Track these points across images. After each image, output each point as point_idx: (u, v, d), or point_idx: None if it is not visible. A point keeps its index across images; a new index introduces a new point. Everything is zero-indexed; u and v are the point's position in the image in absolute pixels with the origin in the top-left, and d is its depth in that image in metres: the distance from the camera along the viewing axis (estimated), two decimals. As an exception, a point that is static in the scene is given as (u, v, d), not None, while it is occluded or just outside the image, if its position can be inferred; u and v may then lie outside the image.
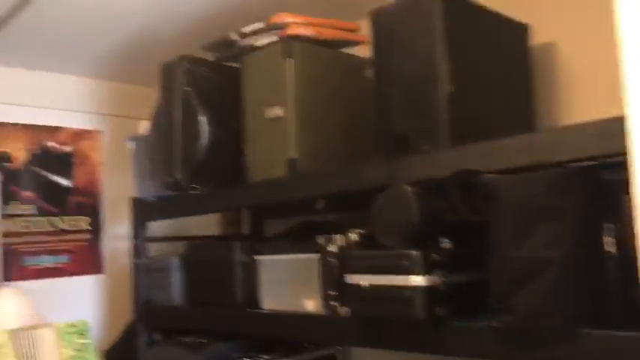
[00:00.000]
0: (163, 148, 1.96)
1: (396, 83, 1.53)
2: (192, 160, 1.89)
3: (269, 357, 2.07)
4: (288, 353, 2.10)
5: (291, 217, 2.42)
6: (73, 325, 1.43)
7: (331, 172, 1.68)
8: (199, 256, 2.11)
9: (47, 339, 1.39)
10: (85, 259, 2.83)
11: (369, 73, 1.67)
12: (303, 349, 2.14)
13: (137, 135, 2.25)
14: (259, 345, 2.10)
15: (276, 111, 1.78)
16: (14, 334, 1.36)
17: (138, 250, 2.28)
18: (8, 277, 2.56)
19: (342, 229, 1.63)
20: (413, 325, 1.36)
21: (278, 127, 1.78)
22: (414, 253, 1.34)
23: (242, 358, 2.06)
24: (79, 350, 1.42)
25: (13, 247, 2.63)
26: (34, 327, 1.40)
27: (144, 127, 2.18)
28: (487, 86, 1.56)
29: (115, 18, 2.15)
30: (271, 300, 1.85)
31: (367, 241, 1.52)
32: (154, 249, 2.39)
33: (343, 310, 1.57)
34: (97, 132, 2.91)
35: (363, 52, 1.84)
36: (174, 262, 2.14)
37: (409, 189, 1.38)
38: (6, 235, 2.60)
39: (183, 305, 2.11)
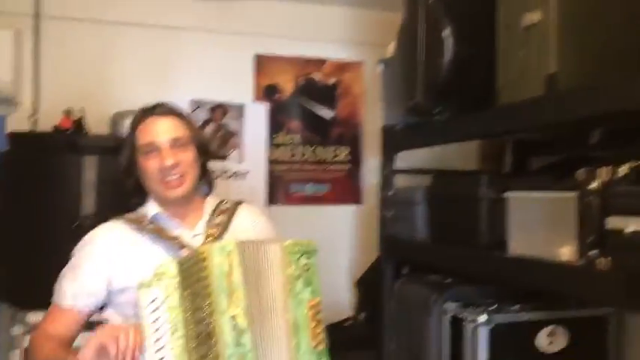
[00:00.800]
0: (406, 68, 1.80)
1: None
2: (435, 80, 1.69)
3: (520, 307, 1.81)
4: (546, 307, 1.81)
5: (561, 153, 2.06)
6: (299, 244, 1.38)
7: (601, 87, 1.34)
8: (444, 190, 1.93)
9: (273, 255, 1.37)
10: (344, 188, 2.87)
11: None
12: (564, 305, 1.83)
13: (385, 58, 2.12)
14: (512, 293, 1.86)
15: (535, 16, 1.48)
16: (243, 245, 1.35)
17: (386, 182, 2.19)
18: (274, 202, 2.73)
19: (611, 164, 1.28)
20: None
21: (536, 36, 1.49)
22: None
23: (490, 304, 1.84)
24: (304, 270, 1.37)
25: (280, 174, 2.79)
26: (262, 241, 1.38)
27: (391, 49, 2.04)
28: None
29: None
30: (519, 243, 1.59)
31: (640, 177, 1.17)
32: (411, 182, 2.28)
33: (603, 262, 1.24)
34: (359, 63, 2.88)
35: None
36: (419, 195, 2.00)
37: None
38: (273, 162, 2.77)
39: (425, 241, 1.97)
